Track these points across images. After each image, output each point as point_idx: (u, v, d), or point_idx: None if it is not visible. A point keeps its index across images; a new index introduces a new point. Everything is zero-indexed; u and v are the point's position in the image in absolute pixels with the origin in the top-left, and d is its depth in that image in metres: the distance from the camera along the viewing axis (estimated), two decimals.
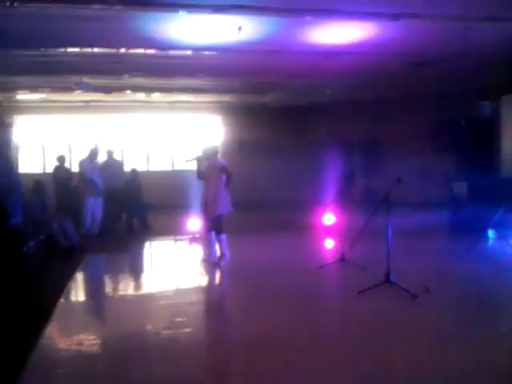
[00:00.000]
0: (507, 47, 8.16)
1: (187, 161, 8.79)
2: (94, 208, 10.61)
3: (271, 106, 15.18)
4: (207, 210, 8.07)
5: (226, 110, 16.03)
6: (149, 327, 5.49)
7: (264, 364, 4.39)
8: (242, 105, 15.38)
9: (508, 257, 8.39)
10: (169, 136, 16.32)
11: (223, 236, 8.16)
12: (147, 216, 11.73)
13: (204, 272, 7.84)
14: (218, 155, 8.25)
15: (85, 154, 11.07)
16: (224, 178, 7.89)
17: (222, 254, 8.20)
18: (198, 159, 8.20)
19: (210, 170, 8.00)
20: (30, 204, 8.56)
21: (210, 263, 8.11)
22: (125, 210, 11.81)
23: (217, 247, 8.23)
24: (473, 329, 5.18)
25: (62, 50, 8.17)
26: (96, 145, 11.20)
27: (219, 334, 5.52)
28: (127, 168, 12.78)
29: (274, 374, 4.18)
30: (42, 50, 7.98)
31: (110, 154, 12.16)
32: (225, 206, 7.98)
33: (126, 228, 11.47)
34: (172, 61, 9.11)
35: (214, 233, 8.13)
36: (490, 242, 9.38)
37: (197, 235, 10.09)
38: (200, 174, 8.19)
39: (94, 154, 10.93)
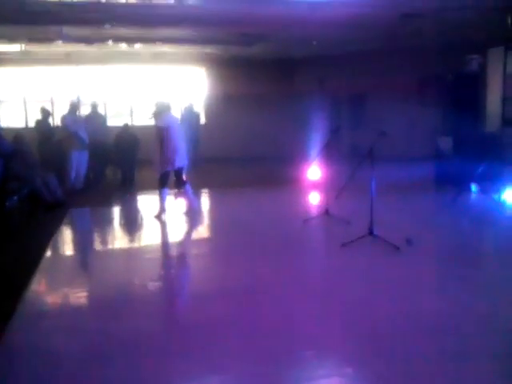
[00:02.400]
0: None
1: (150, 118, 8.72)
2: (78, 162, 10.52)
3: (257, 59, 14.93)
4: (157, 165, 8.17)
5: (211, 61, 15.74)
6: (135, 280, 5.53)
7: (247, 312, 4.47)
8: (227, 56, 15.11)
9: (489, 210, 8.52)
10: (152, 88, 16.03)
11: (188, 187, 8.41)
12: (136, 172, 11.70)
13: (189, 225, 7.85)
14: (170, 112, 8.30)
15: (66, 108, 10.90)
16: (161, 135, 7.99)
17: (190, 204, 8.51)
18: (154, 115, 8.19)
19: (160, 126, 8.06)
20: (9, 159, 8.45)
21: (161, 219, 8.22)
22: (113, 165, 11.73)
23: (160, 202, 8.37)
24: (452, 277, 5.31)
25: None
26: (77, 97, 11.00)
27: (204, 284, 5.58)
28: (113, 122, 12.60)
29: (255, 322, 4.26)
30: None
31: (93, 106, 11.96)
32: (174, 160, 8.04)
33: (121, 181, 11.43)
34: (155, 10, 8.86)
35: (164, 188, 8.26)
36: (473, 195, 9.50)
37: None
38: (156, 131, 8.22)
39: (74, 107, 10.78)
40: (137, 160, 11.69)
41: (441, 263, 5.96)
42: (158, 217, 8.25)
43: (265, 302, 4.75)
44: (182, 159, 8.16)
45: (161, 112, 8.09)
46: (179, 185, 8.47)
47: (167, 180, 8.27)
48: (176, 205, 9.02)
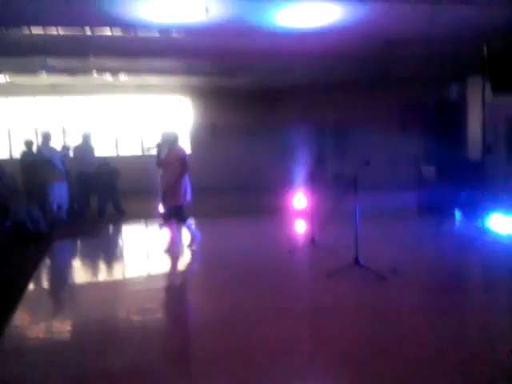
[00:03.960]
0: (473, 29, 8.24)
1: (149, 149, 8.62)
2: (59, 193, 10.43)
3: (241, 89, 15.07)
4: (166, 198, 7.76)
5: (195, 92, 15.86)
6: (118, 313, 5.45)
7: (232, 346, 4.41)
8: (211, 87, 15.24)
9: (473, 237, 8.57)
10: (137, 119, 16.08)
11: (189, 222, 8.06)
12: (121, 201, 11.62)
13: (174, 258, 7.77)
14: (178, 142, 7.92)
15: (40, 139, 10.93)
16: (181, 167, 7.61)
17: (193, 238, 8.15)
18: (158, 146, 7.86)
19: (170, 157, 7.70)
20: None
21: (172, 252, 7.91)
22: (97, 195, 11.67)
23: (185, 233, 8.16)
24: (438, 308, 5.31)
25: (25, 30, 7.95)
26: (62, 128, 11.02)
27: (188, 319, 5.52)
28: (97, 153, 12.59)
29: (243, 355, 4.21)
30: (3, 29, 7.72)
31: (85, 137, 11.93)
32: (185, 195, 7.72)
33: (98, 213, 11.32)
34: (139, 42, 8.95)
35: (174, 221, 7.94)
36: (457, 222, 9.57)
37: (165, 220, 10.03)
38: (159, 162, 7.82)
39: (47, 137, 10.73)
40: (118, 190, 11.63)
41: (426, 292, 5.94)
42: (169, 251, 7.96)
43: (253, 334, 4.70)
44: (185, 194, 7.80)
45: (169, 142, 7.78)
46: (182, 219, 7.98)
47: (182, 212, 7.90)
48: (163, 238, 8.95)
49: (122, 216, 11.31)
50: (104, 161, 12.03)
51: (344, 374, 3.89)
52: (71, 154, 11.36)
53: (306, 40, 8.86)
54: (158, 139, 7.97)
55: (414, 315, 5.12)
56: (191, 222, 8.21)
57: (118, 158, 15.05)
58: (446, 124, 11.11)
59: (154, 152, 8.04)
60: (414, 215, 10.47)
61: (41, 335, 4.86)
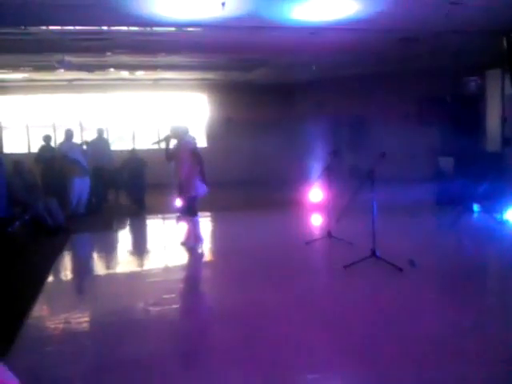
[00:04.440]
0: (492, 22, 8.15)
1: (153, 143, 8.57)
2: (80, 188, 10.57)
3: (257, 83, 15.09)
4: (182, 191, 7.70)
5: (212, 87, 15.91)
6: (137, 304, 5.51)
7: (250, 337, 4.44)
8: (227, 82, 15.28)
9: (491, 230, 8.50)
10: (154, 114, 16.17)
11: (197, 218, 7.86)
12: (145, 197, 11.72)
13: (191, 250, 7.81)
14: (188, 135, 7.82)
15: (62, 136, 11.09)
16: (194, 159, 7.52)
17: (196, 238, 7.85)
18: (167, 139, 7.77)
19: (182, 150, 7.60)
20: (11, 185, 8.52)
21: (189, 246, 7.81)
22: (116, 189, 11.79)
23: (188, 230, 7.94)
24: (455, 300, 5.28)
25: (44, 27, 8.02)
26: (79, 124, 11.15)
27: (206, 309, 5.56)
28: (116, 147, 12.75)
29: (258, 347, 4.23)
30: (22, 27, 7.81)
31: (99, 132, 12.15)
32: (199, 187, 7.60)
33: (134, 208, 11.44)
34: (156, 38, 8.98)
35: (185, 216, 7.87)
36: (475, 215, 9.49)
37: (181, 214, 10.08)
38: (169, 156, 7.73)
39: (69, 135, 10.92)
40: (145, 184, 11.74)
41: (444, 285, 5.92)
42: (185, 244, 7.89)
43: (270, 326, 4.72)
44: (200, 186, 7.66)
45: (179, 135, 7.68)
46: (192, 213, 7.83)
47: (195, 206, 7.79)
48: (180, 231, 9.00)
49: (143, 210, 11.39)
50: (132, 153, 12.17)
51: (359, 369, 3.90)
52: (85, 148, 11.50)
53: (322, 34, 8.82)
54: (166, 133, 7.98)
55: (431, 307, 5.10)
56: (199, 219, 8.00)
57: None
58: (464, 117, 10.99)
59: (156, 146, 8.09)
60: (432, 208, 10.40)
61: (60, 326, 4.93)
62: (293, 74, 13.94)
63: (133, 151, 12.44)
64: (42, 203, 8.92)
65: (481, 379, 3.63)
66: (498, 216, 8.90)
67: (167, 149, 7.76)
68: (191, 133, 7.98)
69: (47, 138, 11.87)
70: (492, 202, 9.24)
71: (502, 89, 10.07)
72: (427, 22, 8.09)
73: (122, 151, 12.94)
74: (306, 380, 3.69)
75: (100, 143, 11.97)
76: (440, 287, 5.81)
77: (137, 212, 11.26)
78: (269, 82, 14.96)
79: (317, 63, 12.23)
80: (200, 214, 8.00)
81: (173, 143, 7.79)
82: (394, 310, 5.02)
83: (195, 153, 7.56)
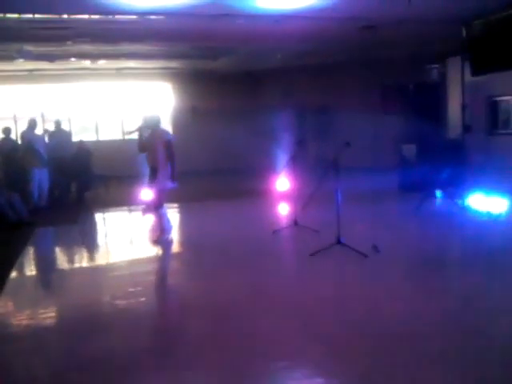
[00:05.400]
0: (452, 9, 8.28)
1: (128, 133, 8.42)
2: (40, 180, 10.38)
3: (222, 72, 15.00)
4: (154, 181, 7.49)
5: (176, 76, 15.75)
6: (103, 298, 5.46)
7: (217, 327, 4.45)
8: (192, 71, 15.15)
9: (453, 215, 8.70)
10: (118, 104, 15.94)
11: (163, 210, 7.72)
12: (92, 187, 11.56)
13: (156, 241, 7.75)
14: (161, 125, 7.71)
15: (25, 125, 10.88)
16: (167, 151, 7.38)
17: (164, 229, 7.71)
18: (140, 129, 7.59)
19: (154, 140, 7.44)
20: None
21: (161, 239, 7.65)
22: (74, 181, 11.59)
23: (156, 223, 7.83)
24: (418, 282, 5.41)
25: (1, 15, 7.79)
26: (41, 114, 10.93)
27: (172, 301, 5.56)
28: (76, 138, 12.55)
29: (226, 339, 4.26)
30: None
31: (57, 123, 11.98)
32: (170, 178, 7.47)
33: (76, 199, 11.26)
34: (118, 26, 8.83)
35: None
36: (437, 201, 9.68)
37: (149, 205, 9.99)
38: (141, 146, 7.58)
39: (33, 125, 10.71)
40: (91, 176, 11.56)
41: (407, 270, 6.04)
42: (158, 240, 7.63)
43: (237, 315, 4.74)
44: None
45: (151, 125, 7.52)
46: (160, 204, 7.65)
47: (163, 197, 7.66)
48: (147, 223, 8.94)
49: (81, 204, 11.19)
50: (80, 144, 12.04)
51: (325, 356, 3.96)
52: (46, 138, 11.32)
53: (286, 22, 8.83)
54: (139, 123, 7.80)
55: (394, 292, 5.21)
56: (166, 210, 7.87)
57: (99, 143, 14.96)
58: (426, 104, 11.18)
59: (133, 136, 7.91)
60: (396, 195, 10.59)
61: (25, 322, 4.86)
62: (258, 62, 13.91)
63: (81, 143, 12.32)
64: (4, 197, 8.73)
65: (439, 360, 3.74)
66: (459, 202, 9.12)
67: (140, 139, 7.60)
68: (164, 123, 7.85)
69: (7, 131, 11.59)
70: (454, 188, 9.46)
71: (462, 76, 10.27)
72: (388, 10, 8.18)
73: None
74: (273, 368, 3.73)
75: (60, 135, 11.81)
76: (403, 273, 5.92)
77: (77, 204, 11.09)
78: (234, 71, 14.89)
79: (281, 52, 12.23)
80: (166, 205, 7.93)
81: (145, 133, 7.65)
82: (358, 296, 5.10)
83: (169, 145, 7.39)
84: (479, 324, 4.35)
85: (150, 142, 7.50)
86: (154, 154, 7.41)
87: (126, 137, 8.77)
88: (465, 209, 8.92)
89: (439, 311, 4.64)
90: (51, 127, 12.13)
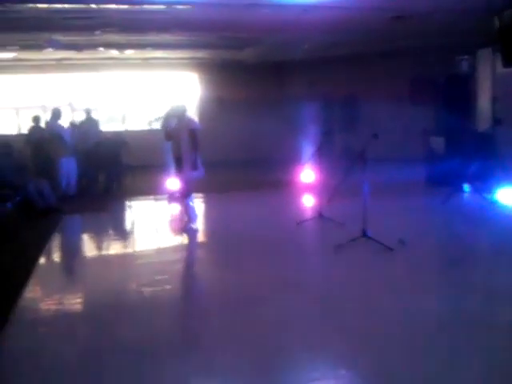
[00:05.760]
0: (482, 1, 8.10)
1: (152, 121, 8.40)
2: (68, 168, 10.50)
3: (248, 62, 14.95)
4: (181, 170, 7.53)
5: (203, 66, 15.76)
6: (129, 285, 5.52)
7: (243, 316, 4.47)
8: (218, 61, 15.13)
9: (482, 210, 8.55)
10: (144, 94, 16.03)
11: (191, 199, 7.70)
12: (123, 177, 11.64)
13: (182, 230, 7.79)
14: (187, 114, 7.75)
15: (49, 115, 11.01)
16: (192, 140, 7.36)
17: (190, 218, 7.71)
18: (166, 118, 7.64)
19: (180, 129, 7.49)
20: (0, 167, 8.47)
21: (188, 228, 7.64)
22: (102, 171, 11.69)
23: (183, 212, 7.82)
24: (445, 277, 5.34)
25: (31, 5, 7.88)
26: (69, 104, 11.04)
27: (198, 289, 5.59)
28: (106, 127, 12.65)
29: (249, 326, 4.27)
30: (8, 5, 7.67)
31: (87, 112, 12.07)
32: (197, 168, 7.45)
33: (104, 188, 11.36)
34: (145, 16, 8.85)
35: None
36: (466, 195, 9.54)
37: (176, 194, 10.03)
38: (167, 135, 7.65)
39: (57, 114, 10.83)
40: (121, 166, 11.66)
41: (434, 264, 5.98)
42: (184, 229, 7.64)
43: (261, 304, 4.75)
44: (199, 167, 7.53)
45: (178, 114, 7.62)
46: (187, 193, 7.66)
47: (191, 187, 7.67)
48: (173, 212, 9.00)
49: (108, 193, 11.23)
50: (112, 134, 12.06)
51: (349, 347, 3.95)
52: (75, 129, 11.43)
53: (314, 12, 8.74)
54: (164, 112, 7.81)
55: (420, 286, 5.15)
56: (192, 199, 7.85)
57: (126, 133, 15.06)
58: (455, 96, 10.98)
59: (156, 126, 7.93)
60: (423, 188, 10.45)
61: (53, 307, 4.95)
62: (284, 52, 13.82)
63: (114, 133, 12.28)
64: (33, 185, 8.87)
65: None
66: (488, 196, 8.96)
67: (166, 128, 7.62)
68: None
69: (36, 119, 11.77)
70: (482, 182, 9.29)
71: (493, 68, 10.05)
72: (418, 0, 8.03)
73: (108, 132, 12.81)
74: (297, 358, 3.73)
75: (88, 123, 11.89)
76: (429, 267, 5.86)
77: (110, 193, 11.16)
78: (260, 61, 14.83)
79: (309, 42, 12.13)
80: (193, 195, 7.96)
81: (172, 122, 7.68)
82: (383, 289, 5.06)
83: (194, 134, 7.38)
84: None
85: (176, 130, 7.56)
86: (179, 143, 7.44)
87: (151, 126, 8.69)
88: (494, 203, 8.75)
89: (464, 308, 4.58)
90: (81, 116, 12.24)
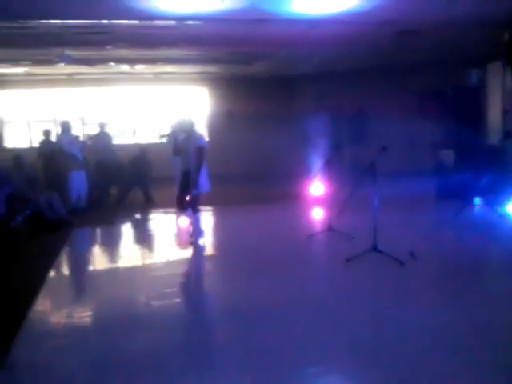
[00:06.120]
0: (493, 14, 8.12)
1: (162, 136, 8.37)
2: (78, 182, 10.55)
3: (257, 77, 15.05)
4: (185, 186, 7.45)
5: (212, 81, 15.87)
6: (138, 298, 5.52)
7: (253, 330, 4.45)
8: (228, 75, 15.24)
9: (493, 223, 8.49)
10: (155, 108, 16.15)
11: (199, 214, 7.67)
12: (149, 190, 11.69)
13: (191, 244, 7.78)
14: (195, 129, 7.65)
15: (59, 129, 11.09)
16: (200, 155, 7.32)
17: (198, 233, 7.69)
18: (174, 133, 7.57)
19: (188, 144, 7.44)
20: (12, 180, 8.53)
21: (198, 241, 7.62)
22: (117, 184, 11.76)
23: (190, 225, 7.79)
24: (456, 292, 5.29)
25: (43, 21, 8.00)
26: (81, 118, 11.12)
27: (208, 302, 5.58)
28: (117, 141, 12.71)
29: (264, 339, 4.25)
30: (22, 21, 7.80)
31: (101, 126, 12.18)
32: (204, 183, 7.44)
33: (116, 202, 11.41)
34: (156, 31, 8.96)
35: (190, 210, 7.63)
36: (476, 208, 9.47)
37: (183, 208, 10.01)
38: (175, 150, 7.62)
39: (66, 128, 10.89)
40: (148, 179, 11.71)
41: (445, 278, 5.93)
42: (193, 243, 7.59)
43: (272, 319, 4.73)
44: (206, 183, 7.51)
45: (185, 129, 7.53)
46: (195, 209, 7.59)
47: (198, 202, 7.59)
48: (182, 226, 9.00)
49: (151, 204, 11.36)
50: (141, 149, 12.05)
51: (360, 363, 3.91)
52: (89, 143, 11.52)
53: (323, 27, 8.80)
54: (172, 127, 7.80)
55: (431, 301, 5.11)
56: (201, 215, 7.78)
57: (137, 147, 15.16)
58: (465, 109, 11.00)
59: (165, 140, 7.91)
60: (433, 201, 10.39)
61: (63, 320, 4.95)
62: (293, 67, 13.90)
63: (141, 149, 12.14)
64: (44, 198, 8.92)
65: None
66: (499, 209, 8.89)
67: (175, 142, 7.66)
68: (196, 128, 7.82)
69: (47, 133, 11.89)
70: (493, 195, 9.23)
71: (504, 81, 10.06)
72: (427, 14, 8.06)
73: (126, 146, 12.86)
74: (308, 373, 3.70)
75: (102, 137, 12.00)
76: (441, 281, 5.81)
77: (143, 206, 11.25)
78: (269, 75, 14.92)
79: (317, 56, 12.19)
80: (201, 208, 7.97)
81: (180, 137, 7.70)
82: (394, 304, 5.02)
83: (200, 151, 7.33)
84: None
85: (184, 145, 7.55)
86: (187, 158, 7.45)
87: (161, 140, 8.66)
88: (505, 217, 8.69)
89: (476, 321, 4.54)
90: (94, 130, 12.33)
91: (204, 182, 7.45)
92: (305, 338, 4.29)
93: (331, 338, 4.30)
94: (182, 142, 7.63)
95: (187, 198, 7.56)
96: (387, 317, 4.71)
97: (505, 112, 10.20)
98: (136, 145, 15.04)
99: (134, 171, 11.53)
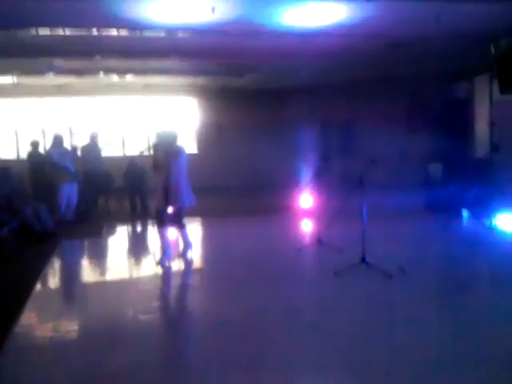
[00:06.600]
0: (480, 28, 8.22)
1: (141, 152, 8.14)
2: (69, 194, 10.47)
3: (247, 89, 15.08)
4: (170, 201, 7.08)
5: (202, 92, 15.89)
6: (126, 312, 5.46)
7: (241, 344, 4.41)
8: (217, 87, 15.26)
9: (480, 236, 8.53)
10: (144, 119, 16.11)
11: (185, 229, 7.51)
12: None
13: (181, 257, 7.73)
14: (177, 142, 7.27)
15: (50, 142, 10.99)
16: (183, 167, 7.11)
17: (186, 246, 7.58)
18: (155, 146, 7.21)
19: (171, 157, 7.06)
20: None
21: (164, 265, 7.19)
22: (106, 195, 11.70)
23: (180, 240, 7.68)
24: (445, 306, 5.29)
25: (33, 31, 7.97)
26: (69, 129, 11.06)
27: (196, 316, 5.52)
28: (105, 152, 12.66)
29: (252, 354, 4.21)
30: (10, 30, 7.76)
31: (92, 137, 12.09)
32: (187, 197, 7.21)
33: (105, 213, 11.35)
34: (145, 42, 8.96)
35: (172, 226, 7.43)
36: (464, 221, 9.53)
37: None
38: (156, 164, 7.16)
39: (58, 141, 10.77)
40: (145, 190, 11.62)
41: (433, 291, 5.93)
42: (161, 263, 7.22)
43: (260, 332, 4.70)
44: (189, 197, 7.28)
45: (166, 141, 7.18)
46: (181, 224, 7.45)
47: (182, 216, 7.43)
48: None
49: (139, 215, 11.33)
50: (132, 161, 12.00)
51: (348, 378, 3.89)
52: (78, 153, 11.44)
53: (312, 39, 8.86)
54: (154, 139, 7.56)
55: (419, 314, 5.10)
56: (186, 228, 7.63)
57: (125, 158, 15.09)
58: (453, 122, 11.09)
59: (146, 153, 7.79)
60: (421, 214, 10.44)
61: (48, 334, 4.88)
62: (283, 79, 13.96)
63: (132, 160, 12.12)
64: (31, 209, 8.84)
65: None
66: (486, 222, 8.95)
67: (154, 156, 7.24)
68: (182, 139, 7.60)
69: (34, 144, 11.80)
70: (481, 208, 9.29)
71: (491, 94, 10.16)
72: (415, 27, 8.14)
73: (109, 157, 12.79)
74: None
75: (92, 148, 11.92)
76: (429, 294, 5.81)
77: (132, 217, 11.19)
78: (259, 88, 14.96)
79: (307, 69, 12.25)
80: (190, 219, 7.92)
81: (161, 150, 7.43)
82: (383, 317, 5.01)
83: (181, 164, 7.11)
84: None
85: (165, 159, 7.12)
86: (167, 173, 7.04)
87: (139, 154, 8.30)
88: (492, 229, 8.74)
89: (460, 336, 4.53)
90: (83, 141, 12.25)
91: (187, 196, 7.21)
92: (292, 352, 4.26)
93: (319, 351, 4.27)
94: (163, 156, 7.18)
95: (169, 211, 7.27)
96: (375, 330, 4.69)
97: (492, 125, 10.29)
98: (125, 157, 15.02)
99: (130, 181, 11.49)
